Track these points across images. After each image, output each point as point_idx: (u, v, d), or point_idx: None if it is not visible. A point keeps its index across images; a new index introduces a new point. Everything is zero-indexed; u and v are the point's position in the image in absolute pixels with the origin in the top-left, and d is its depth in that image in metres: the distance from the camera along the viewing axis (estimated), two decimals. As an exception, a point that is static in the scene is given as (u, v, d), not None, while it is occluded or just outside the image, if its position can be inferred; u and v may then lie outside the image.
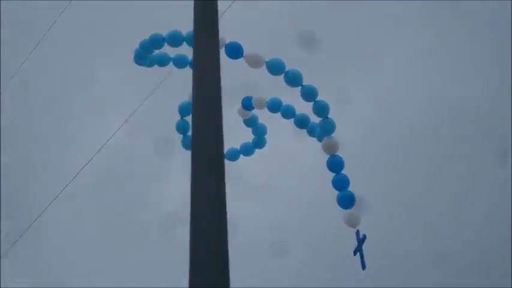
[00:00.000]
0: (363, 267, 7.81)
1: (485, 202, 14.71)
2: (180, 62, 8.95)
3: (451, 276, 13.68)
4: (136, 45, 9.00)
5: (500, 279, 13.06)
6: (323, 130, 8.72)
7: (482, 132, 15.43)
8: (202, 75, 5.22)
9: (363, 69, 16.74)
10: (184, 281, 3.89)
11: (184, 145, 9.24)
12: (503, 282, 12.94)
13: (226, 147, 5.00)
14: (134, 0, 14.24)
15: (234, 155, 9.40)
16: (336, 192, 8.70)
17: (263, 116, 9.63)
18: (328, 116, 8.71)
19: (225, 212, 4.18)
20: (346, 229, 8.81)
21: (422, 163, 15.83)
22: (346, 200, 8.35)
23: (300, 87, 8.58)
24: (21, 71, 11.90)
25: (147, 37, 8.90)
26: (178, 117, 9.41)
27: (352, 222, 8.21)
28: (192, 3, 6.00)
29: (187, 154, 8.70)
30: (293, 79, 8.52)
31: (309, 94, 8.60)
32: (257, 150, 9.71)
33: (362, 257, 7.84)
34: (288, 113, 9.04)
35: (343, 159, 8.71)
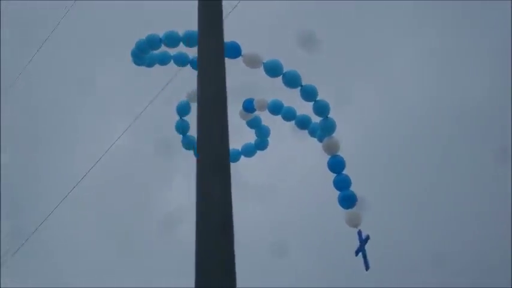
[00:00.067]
0: (367, 267, 7.79)
1: (485, 202, 14.71)
2: (181, 60, 8.91)
3: (451, 276, 13.67)
4: (133, 46, 8.99)
5: (500, 279, 13.07)
6: (323, 130, 8.70)
7: (481, 132, 15.44)
8: (207, 76, 5.22)
9: (363, 69, 16.76)
10: (189, 282, 3.89)
11: (185, 145, 9.23)
12: (503, 282, 12.95)
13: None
14: (137, 0, 14.23)
15: (235, 156, 9.35)
16: (336, 193, 8.72)
17: (263, 116, 9.62)
18: (329, 116, 8.69)
19: (231, 212, 4.18)
20: (346, 229, 8.81)
21: (422, 163, 15.84)
22: (348, 200, 8.34)
23: (299, 88, 8.56)
24: (24, 72, 11.88)
25: (143, 37, 8.89)
26: (177, 117, 9.42)
27: (353, 222, 8.20)
28: (196, 3, 5.99)
29: (191, 156, 8.76)
30: (291, 80, 8.48)
31: (308, 94, 8.56)
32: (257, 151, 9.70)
33: (365, 257, 7.82)
34: (289, 115, 9.00)
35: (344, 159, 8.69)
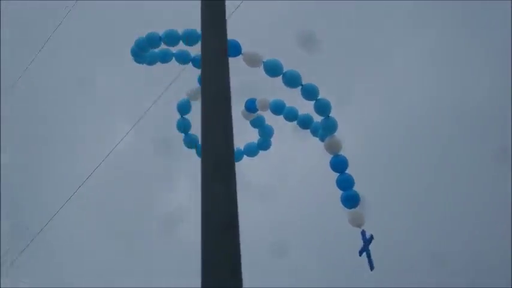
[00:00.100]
0: (371, 267, 7.75)
1: (485, 202, 14.71)
2: (182, 58, 8.89)
3: (451, 276, 13.67)
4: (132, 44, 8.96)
5: (500, 279, 13.06)
6: (325, 129, 8.64)
7: (481, 132, 15.44)
8: (211, 76, 5.21)
9: (363, 69, 16.75)
10: (194, 283, 3.87)
11: (187, 144, 9.20)
12: (503, 282, 12.95)
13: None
14: (140, 0, 14.20)
15: (238, 156, 9.25)
16: (337, 192, 8.68)
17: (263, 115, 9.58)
18: (330, 115, 8.64)
19: (237, 212, 4.16)
20: (347, 229, 8.79)
21: (421, 163, 15.83)
22: (351, 200, 8.30)
23: (299, 87, 8.52)
24: (26, 72, 11.85)
25: (141, 35, 8.86)
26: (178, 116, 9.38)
27: (357, 222, 8.16)
28: (197, 3, 5.97)
29: (194, 155, 8.73)
30: (291, 80, 8.43)
31: (309, 93, 8.50)
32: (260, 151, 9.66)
33: (369, 257, 7.79)
34: (291, 115, 8.96)
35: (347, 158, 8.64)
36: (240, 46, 8.42)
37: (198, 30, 8.50)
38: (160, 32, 8.78)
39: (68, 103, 17.92)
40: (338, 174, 8.51)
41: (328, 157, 8.75)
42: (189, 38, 8.58)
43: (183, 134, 9.23)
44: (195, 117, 9.26)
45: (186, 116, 9.30)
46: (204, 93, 5.05)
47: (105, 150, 9.98)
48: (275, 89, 8.98)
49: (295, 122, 9.00)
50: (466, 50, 16.67)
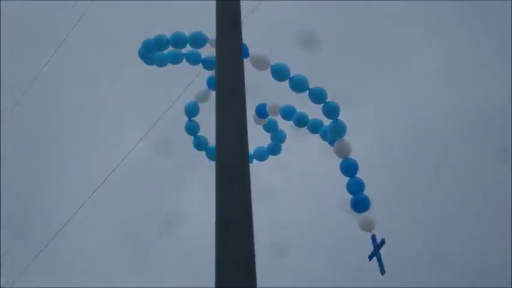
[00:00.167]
0: (382, 272, 7.70)
1: (485, 202, 14.75)
2: (193, 59, 8.81)
3: (451, 276, 13.70)
4: (139, 46, 8.87)
5: (500, 279, 13.09)
6: (333, 133, 8.56)
7: (481, 132, 15.47)
8: (226, 76, 5.16)
9: (364, 70, 16.73)
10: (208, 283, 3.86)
11: (196, 146, 9.12)
12: (503, 282, 12.97)
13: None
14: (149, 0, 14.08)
15: (248, 159, 9.21)
16: (342, 195, 8.63)
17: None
18: (339, 118, 8.56)
19: (251, 213, 4.14)
20: (349, 231, 8.76)
21: (422, 163, 15.85)
22: (361, 204, 8.23)
23: (307, 92, 8.44)
24: (38, 78, 11.73)
25: (147, 37, 8.77)
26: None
27: (367, 227, 8.10)
28: (212, 3, 5.91)
29: (207, 160, 8.65)
30: (298, 84, 8.37)
31: (317, 96, 8.43)
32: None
33: (380, 260, 7.73)
34: (301, 121, 8.87)
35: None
36: (247, 48, 8.35)
37: (206, 32, 8.52)
38: (168, 34, 8.71)
39: (78, 109, 17.80)
40: (348, 178, 8.42)
41: (334, 159, 8.71)
42: (196, 40, 8.52)
43: (192, 137, 9.14)
44: (202, 120, 9.23)
45: (194, 119, 9.22)
46: (218, 93, 5.02)
47: (117, 157, 9.90)
48: (282, 91, 8.90)
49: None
50: (466, 50, 16.71)
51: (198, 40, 8.52)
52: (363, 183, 8.40)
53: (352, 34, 16.66)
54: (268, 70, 8.43)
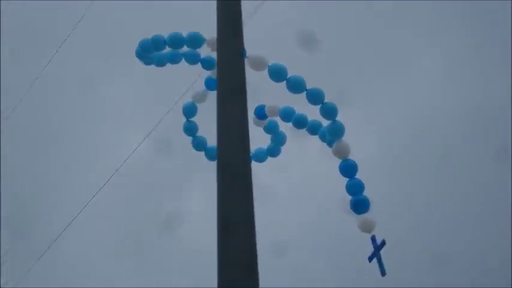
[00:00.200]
0: (383, 273, 7.69)
1: (485, 202, 14.76)
2: (192, 59, 8.80)
3: (451, 276, 13.70)
4: (137, 46, 8.87)
5: (500, 279, 13.09)
6: (332, 134, 8.53)
7: (481, 132, 15.47)
8: (227, 75, 5.18)
9: (364, 70, 16.73)
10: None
11: (195, 146, 9.12)
12: (503, 282, 12.98)
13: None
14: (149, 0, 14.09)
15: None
16: (336, 195, 8.63)
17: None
18: (337, 119, 8.54)
19: (253, 213, 4.19)
20: (349, 231, 8.75)
21: (422, 163, 15.85)
22: (361, 205, 8.22)
23: (304, 92, 8.41)
24: (37, 80, 11.74)
25: (143, 37, 8.78)
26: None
27: (367, 228, 8.09)
28: (213, 3, 5.94)
29: (208, 162, 8.66)
30: (295, 85, 8.31)
31: (315, 97, 8.37)
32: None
33: (380, 261, 7.73)
34: (300, 122, 8.85)
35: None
36: (244, 49, 8.33)
37: (206, 32, 8.54)
38: (166, 34, 8.72)
39: (79, 110, 17.82)
40: (348, 179, 8.42)
41: (333, 160, 8.70)
42: (193, 41, 8.52)
43: (191, 137, 9.15)
44: (200, 120, 9.24)
45: (193, 119, 9.22)
46: (219, 93, 5.04)
47: (118, 157, 9.92)
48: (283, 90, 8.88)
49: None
50: (466, 50, 16.72)
51: (195, 41, 8.50)
52: (363, 184, 8.37)
53: (352, 34, 16.66)
54: (266, 71, 8.43)
